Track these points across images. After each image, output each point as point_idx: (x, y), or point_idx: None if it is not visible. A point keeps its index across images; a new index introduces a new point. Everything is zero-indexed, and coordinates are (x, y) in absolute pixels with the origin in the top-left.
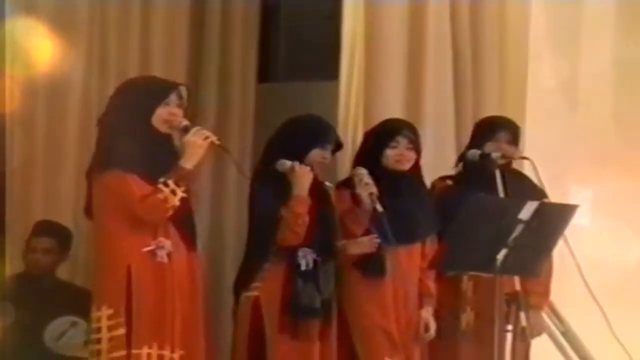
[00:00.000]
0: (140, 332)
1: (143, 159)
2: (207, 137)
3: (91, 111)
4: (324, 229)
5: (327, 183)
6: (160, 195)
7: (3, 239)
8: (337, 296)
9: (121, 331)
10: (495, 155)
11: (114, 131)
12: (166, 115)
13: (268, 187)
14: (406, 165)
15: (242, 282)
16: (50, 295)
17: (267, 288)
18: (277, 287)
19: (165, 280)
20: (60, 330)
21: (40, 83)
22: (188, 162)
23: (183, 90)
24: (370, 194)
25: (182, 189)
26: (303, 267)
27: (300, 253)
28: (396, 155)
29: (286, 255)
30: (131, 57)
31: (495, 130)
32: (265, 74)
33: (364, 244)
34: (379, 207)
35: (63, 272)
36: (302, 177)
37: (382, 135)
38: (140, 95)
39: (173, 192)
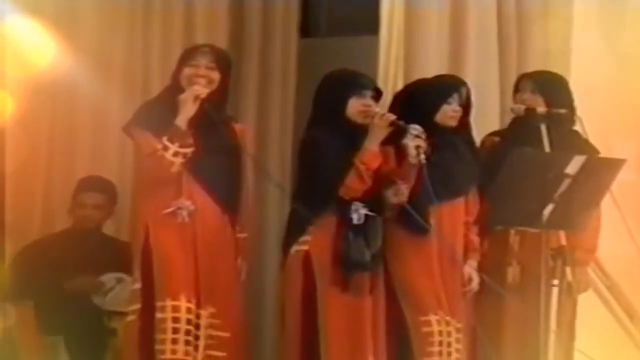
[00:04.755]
0: (162, 286)
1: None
2: (196, 96)
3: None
4: (375, 184)
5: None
6: (158, 153)
7: (3, 239)
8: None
9: (137, 285)
10: (517, 108)
11: None
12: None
13: (333, 139)
14: (455, 122)
15: (291, 237)
16: (96, 251)
17: (317, 242)
18: (327, 240)
19: (185, 239)
20: (107, 287)
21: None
22: (179, 120)
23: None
24: (417, 146)
25: (176, 145)
26: (355, 221)
27: (353, 207)
28: (452, 112)
29: (337, 209)
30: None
31: (520, 80)
32: (306, 29)
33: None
34: (423, 160)
35: (108, 228)
36: (380, 129)
37: (440, 91)
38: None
39: (165, 148)
